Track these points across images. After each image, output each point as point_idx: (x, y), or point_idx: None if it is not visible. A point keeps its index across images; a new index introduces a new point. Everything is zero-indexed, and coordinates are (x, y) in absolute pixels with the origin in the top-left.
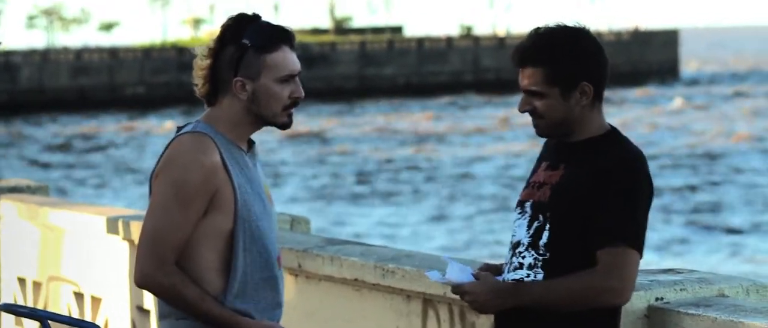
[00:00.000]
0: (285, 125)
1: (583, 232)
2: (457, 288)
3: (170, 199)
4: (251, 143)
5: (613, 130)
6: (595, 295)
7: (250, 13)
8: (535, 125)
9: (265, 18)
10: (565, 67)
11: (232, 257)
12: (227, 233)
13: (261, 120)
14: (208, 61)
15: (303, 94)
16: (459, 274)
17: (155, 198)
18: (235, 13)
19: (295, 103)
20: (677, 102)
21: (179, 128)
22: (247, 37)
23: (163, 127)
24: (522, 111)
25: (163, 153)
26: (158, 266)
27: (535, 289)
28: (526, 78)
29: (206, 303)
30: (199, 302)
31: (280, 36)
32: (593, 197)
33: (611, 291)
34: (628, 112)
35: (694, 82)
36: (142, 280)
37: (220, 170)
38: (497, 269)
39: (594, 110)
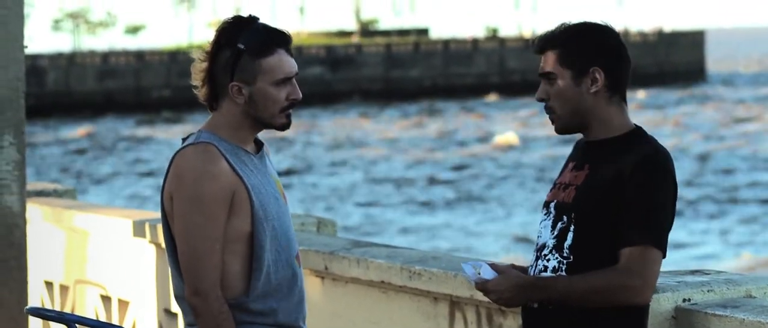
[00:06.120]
0: (283, 126)
1: (608, 234)
2: (481, 285)
3: (196, 216)
4: (260, 144)
5: (638, 129)
6: (616, 292)
7: (246, 15)
8: (552, 120)
9: (287, 20)
10: (577, 49)
11: (253, 258)
12: (247, 236)
13: (259, 123)
14: (205, 64)
15: (300, 95)
16: (489, 273)
17: (182, 220)
18: (231, 16)
19: (292, 104)
20: None
21: (184, 139)
22: (242, 41)
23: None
24: (538, 99)
25: (168, 168)
26: (212, 287)
27: (558, 284)
28: (543, 62)
29: None
30: None
31: (276, 39)
32: (617, 196)
33: (632, 289)
34: None
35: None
36: (195, 298)
37: (230, 175)
38: (523, 271)
39: (613, 106)
